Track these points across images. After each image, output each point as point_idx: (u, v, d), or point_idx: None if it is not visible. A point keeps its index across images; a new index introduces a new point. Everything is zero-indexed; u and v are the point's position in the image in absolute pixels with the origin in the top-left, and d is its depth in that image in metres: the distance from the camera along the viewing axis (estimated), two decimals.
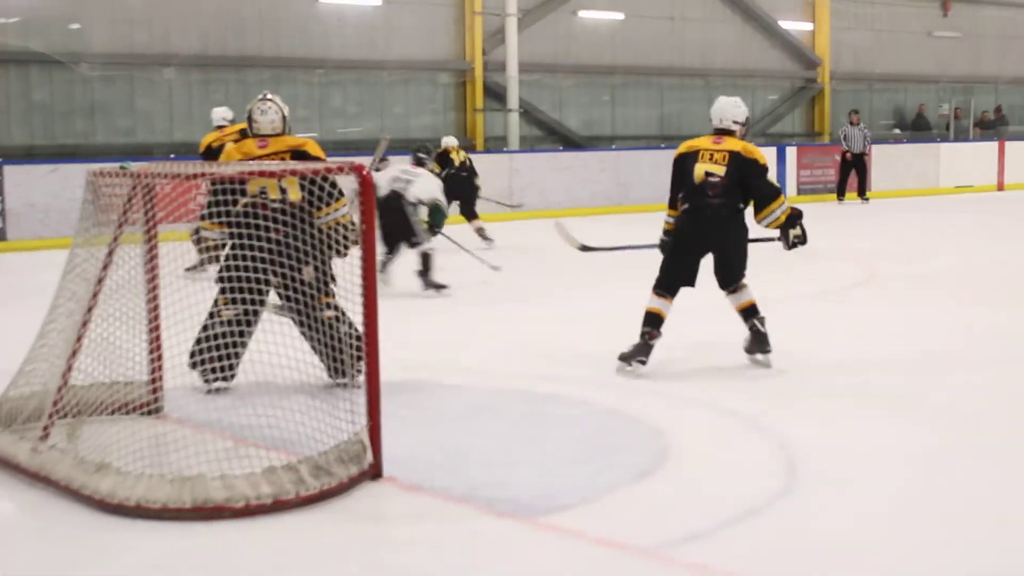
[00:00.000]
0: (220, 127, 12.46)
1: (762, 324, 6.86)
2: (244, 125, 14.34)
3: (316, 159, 6.29)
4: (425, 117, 19.39)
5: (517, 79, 19.40)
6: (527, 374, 6.82)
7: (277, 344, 5.25)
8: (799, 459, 4.99)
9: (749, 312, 6.87)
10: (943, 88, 26.09)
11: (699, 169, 6.75)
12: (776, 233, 6.95)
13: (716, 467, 4.95)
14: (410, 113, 19.17)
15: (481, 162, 18.01)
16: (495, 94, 19.72)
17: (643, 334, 6.78)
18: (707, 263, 6.89)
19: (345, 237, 5.77)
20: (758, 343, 6.89)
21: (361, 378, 4.84)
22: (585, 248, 8.33)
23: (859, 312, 9.10)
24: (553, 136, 20.63)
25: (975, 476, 4.82)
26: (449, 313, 9.17)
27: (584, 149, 19.94)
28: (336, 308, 5.93)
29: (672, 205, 6.90)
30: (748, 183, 6.73)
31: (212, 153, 11.90)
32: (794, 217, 6.82)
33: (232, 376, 6.00)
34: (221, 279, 5.95)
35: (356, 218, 4.90)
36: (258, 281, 5.56)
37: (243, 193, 5.90)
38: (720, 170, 6.72)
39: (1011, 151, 23.85)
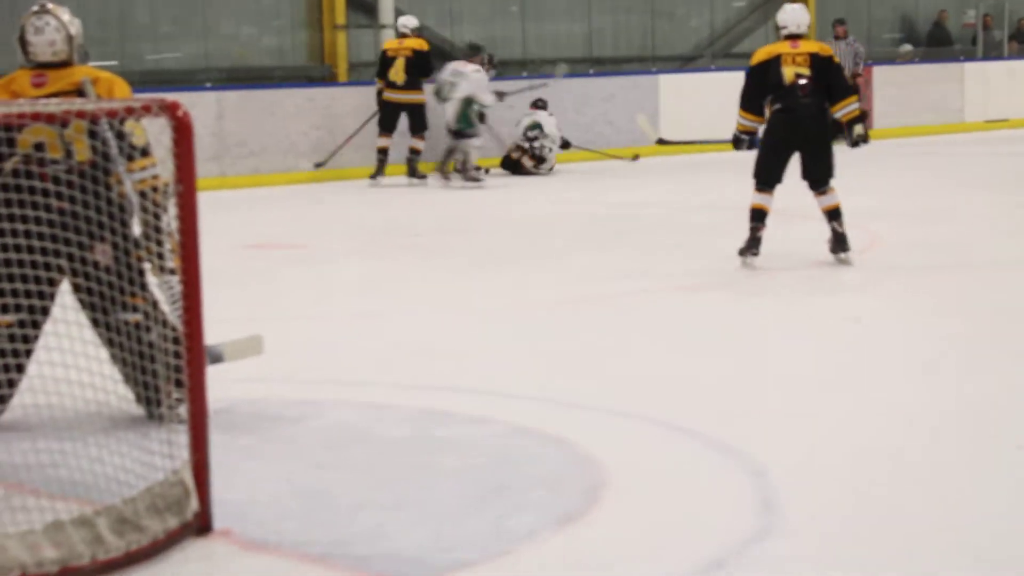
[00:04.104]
0: (402, 35, 16.76)
1: (842, 226, 9.83)
2: (421, 44, 17.09)
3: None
4: (267, 38, 19.24)
5: None
6: (407, 384, 6.86)
7: (64, 352, 5.20)
8: (777, 493, 5.07)
9: (833, 214, 9.85)
10: None
11: (789, 72, 9.77)
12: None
13: (666, 506, 5.01)
14: (244, 33, 19.02)
15: (344, 97, 17.96)
16: (362, 5, 19.65)
17: (752, 228, 9.83)
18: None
19: (156, 227, 5.67)
20: (839, 244, 9.87)
21: (183, 409, 4.82)
22: (663, 141, 12.55)
23: (856, 294, 9.25)
24: (443, 60, 20.59)
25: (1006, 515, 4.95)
26: (305, 305, 9.16)
27: None
28: (147, 311, 5.84)
29: (749, 108, 9.93)
30: (827, 80, 9.78)
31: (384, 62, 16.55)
32: (862, 115, 10.04)
33: (3, 410, 5.93)
34: None
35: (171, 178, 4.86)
36: (46, 268, 5.49)
37: (11, 146, 5.80)
38: (806, 71, 9.77)
39: None
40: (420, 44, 16.85)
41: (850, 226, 9.83)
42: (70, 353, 5.19)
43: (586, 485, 5.19)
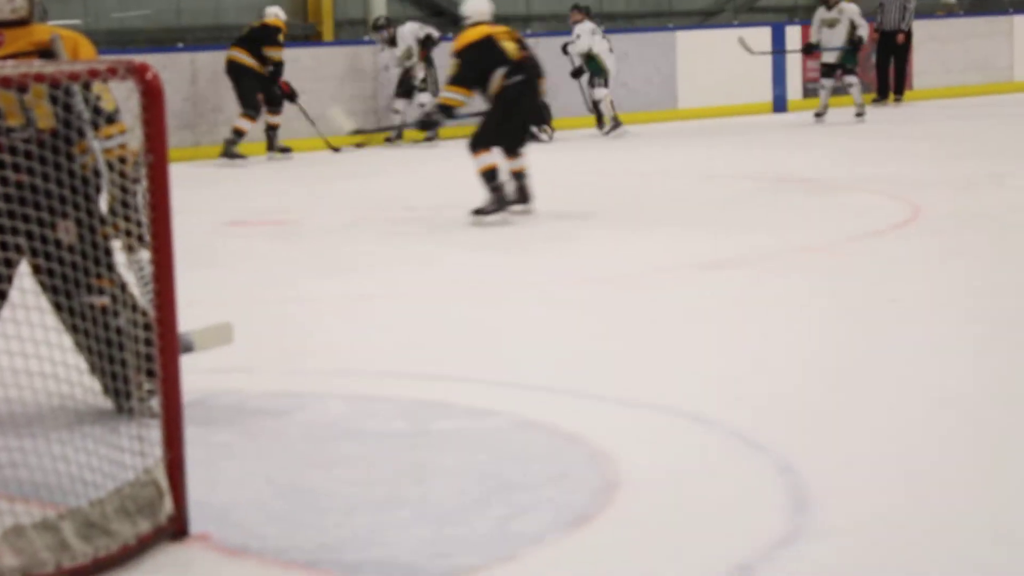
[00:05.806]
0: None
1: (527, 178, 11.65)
2: (276, 22, 17.02)
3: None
4: None
5: None
6: (401, 373, 6.86)
7: (24, 340, 5.19)
8: (809, 491, 5.06)
9: (523, 174, 11.58)
10: None
11: (511, 47, 11.51)
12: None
13: (687, 506, 5.00)
14: None
15: (330, 58, 17.96)
16: None
17: (495, 188, 11.23)
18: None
19: (124, 202, 5.67)
20: (526, 196, 11.55)
21: (155, 401, 4.81)
22: (359, 131, 14.04)
23: (894, 272, 9.23)
24: (440, 17, 20.59)
25: None
26: (289, 287, 9.15)
27: None
28: (115, 294, 5.83)
29: (466, 84, 11.50)
30: None
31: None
32: None
33: None
34: None
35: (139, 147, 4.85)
36: (3, 248, 5.49)
37: None
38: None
39: None
40: (274, 22, 16.82)
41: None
42: (30, 341, 5.17)
43: (598, 483, 5.19)
